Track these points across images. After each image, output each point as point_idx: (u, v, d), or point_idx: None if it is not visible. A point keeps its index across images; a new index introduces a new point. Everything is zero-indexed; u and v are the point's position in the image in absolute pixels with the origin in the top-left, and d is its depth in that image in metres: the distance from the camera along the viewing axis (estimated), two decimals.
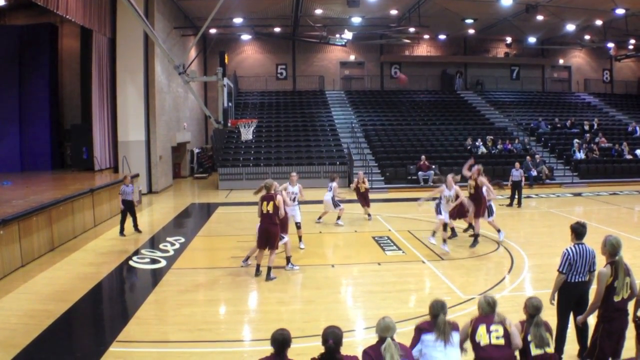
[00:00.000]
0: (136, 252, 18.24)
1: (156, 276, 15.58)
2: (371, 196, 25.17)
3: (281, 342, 6.88)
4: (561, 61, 57.49)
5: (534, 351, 7.72)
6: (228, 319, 12.33)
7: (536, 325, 7.82)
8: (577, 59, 58.12)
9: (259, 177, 34.31)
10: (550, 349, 7.80)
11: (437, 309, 7.65)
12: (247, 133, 25.50)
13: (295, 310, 12.52)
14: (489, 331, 7.64)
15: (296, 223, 18.57)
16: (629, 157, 41.04)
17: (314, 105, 47.12)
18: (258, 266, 15.04)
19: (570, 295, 9.49)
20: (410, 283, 14.49)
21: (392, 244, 19.20)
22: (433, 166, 35.59)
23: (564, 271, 9.43)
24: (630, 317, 8.87)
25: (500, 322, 7.71)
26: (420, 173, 35.07)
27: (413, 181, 35.24)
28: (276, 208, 14.39)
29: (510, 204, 28.52)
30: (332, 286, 14.33)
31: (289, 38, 48.29)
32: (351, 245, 19.43)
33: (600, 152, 41.27)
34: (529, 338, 7.77)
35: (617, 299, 8.75)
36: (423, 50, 54.52)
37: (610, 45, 52.57)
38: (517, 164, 29.94)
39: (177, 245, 19.34)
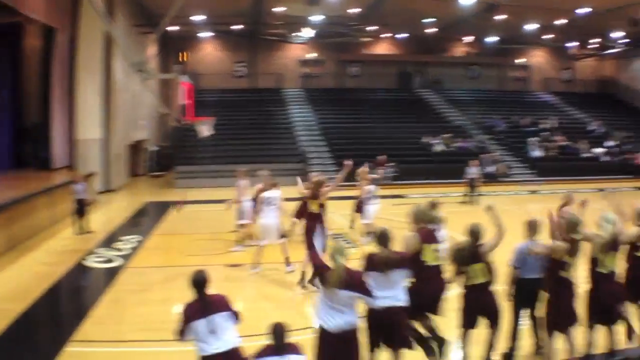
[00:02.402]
0: (92, 251, 18.16)
1: (112, 275, 15.57)
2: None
3: (203, 281, 7.38)
4: (521, 60, 58.08)
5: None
6: None
7: None
8: (537, 58, 58.74)
9: (215, 175, 34.23)
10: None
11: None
12: (204, 131, 25.46)
13: (252, 309, 12.39)
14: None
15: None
16: (586, 155, 41.71)
17: (272, 103, 47.07)
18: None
19: (524, 292, 9.65)
20: None
21: (349, 241, 19.36)
22: (391, 164, 35.79)
23: (517, 266, 9.69)
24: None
25: None
26: (378, 171, 35.23)
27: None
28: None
29: (470, 201, 29.00)
30: (290, 285, 14.38)
31: (248, 36, 48.24)
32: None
33: (559, 150, 41.87)
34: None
35: (564, 274, 9.11)
36: (382, 48, 54.78)
37: (571, 44, 53.28)
38: (473, 162, 30.38)
39: (133, 244, 19.34)
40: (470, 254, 9.03)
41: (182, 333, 7.35)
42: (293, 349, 7.26)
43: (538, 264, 9.44)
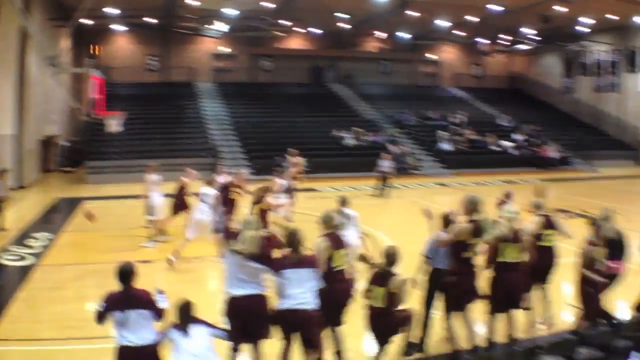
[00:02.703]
0: (4, 249, 17.95)
1: (25, 273, 15.49)
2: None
3: (127, 272, 7.57)
4: (431, 56, 59.02)
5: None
6: None
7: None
8: (447, 54, 59.81)
9: (127, 170, 33.87)
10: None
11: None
12: (114, 125, 25.33)
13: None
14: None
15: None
16: (495, 148, 42.83)
17: (184, 97, 46.76)
18: None
19: (436, 281, 10.10)
20: None
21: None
22: (302, 158, 36.08)
23: (429, 256, 10.17)
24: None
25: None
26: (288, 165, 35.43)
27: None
28: None
29: (382, 194, 29.55)
30: (207, 279, 14.57)
31: (162, 29, 47.83)
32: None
33: (468, 143, 42.85)
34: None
35: (466, 255, 9.78)
36: (295, 43, 54.91)
37: (482, 40, 54.37)
38: (385, 155, 30.98)
39: (45, 242, 19.20)
40: (380, 278, 9.12)
41: (100, 318, 7.51)
42: (198, 322, 7.70)
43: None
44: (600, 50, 51.43)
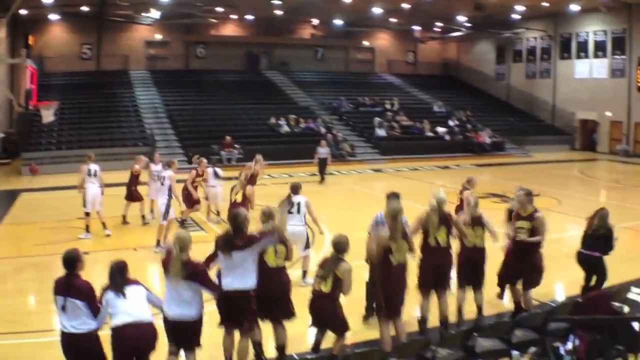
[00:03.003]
0: None
1: None
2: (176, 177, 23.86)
3: (71, 259, 7.72)
4: (366, 43, 59.10)
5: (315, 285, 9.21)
6: (38, 309, 12.34)
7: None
8: (382, 40, 59.96)
9: (62, 160, 33.35)
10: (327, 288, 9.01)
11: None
12: (48, 115, 24.92)
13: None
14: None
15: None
16: (430, 134, 43.17)
17: (118, 85, 45.94)
18: None
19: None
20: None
21: (194, 224, 19.57)
22: (237, 145, 35.98)
23: (373, 231, 10.59)
24: None
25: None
26: (223, 152, 35.24)
27: (217, 161, 35.05)
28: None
29: (321, 181, 29.83)
30: (137, 271, 14.35)
31: (96, 17, 46.94)
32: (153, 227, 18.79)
33: (402, 129, 43.10)
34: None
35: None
36: (230, 30, 54.53)
37: (416, 27, 54.71)
38: (323, 142, 31.14)
39: None
40: (329, 263, 9.21)
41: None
42: (131, 282, 7.95)
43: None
44: (532, 37, 52.13)
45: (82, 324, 7.46)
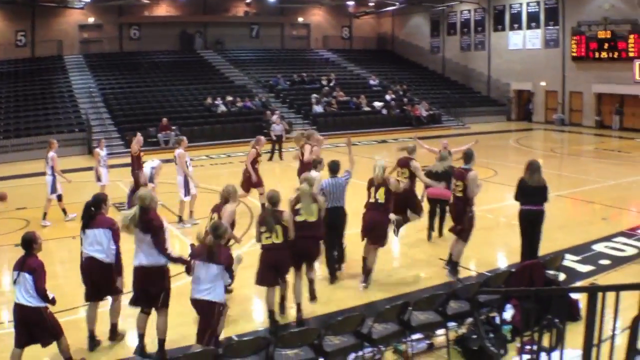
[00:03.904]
0: None
1: None
2: (111, 162, 22.50)
3: (27, 240, 8.47)
4: (300, 19, 58.72)
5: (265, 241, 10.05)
6: None
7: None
8: (317, 16, 59.66)
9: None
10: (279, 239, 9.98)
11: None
12: None
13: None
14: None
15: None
16: (367, 109, 43.23)
17: (52, 71, 44.82)
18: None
19: (329, 220, 11.60)
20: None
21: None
22: (174, 127, 35.56)
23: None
24: None
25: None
26: (160, 135, 34.84)
27: (154, 143, 34.73)
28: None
29: (271, 159, 29.68)
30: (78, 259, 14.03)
31: (28, 3, 45.87)
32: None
33: (339, 105, 43.07)
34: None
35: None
36: (163, 10, 53.67)
37: (350, 2, 54.66)
38: (277, 119, 31.22)
39: None
40: (271, 216, 10.07)
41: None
42: (96, 226, 9.47)
43: (339, 196, 12.15)
44: (466, 10, 52.44)
45: (33, 298, 8.21)
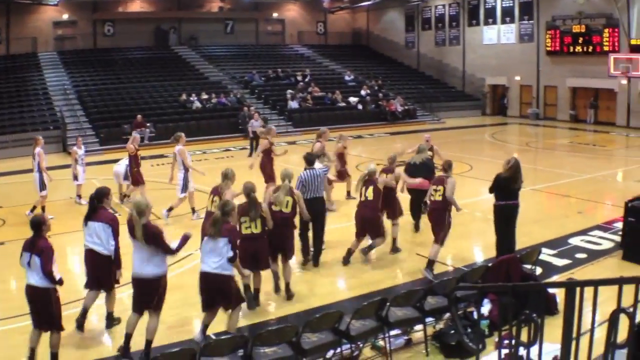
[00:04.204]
0: None
1: None
2: (87, 159, 22.00)
3: (36, 222, 8.63)
4: (275, 14, 58.58)
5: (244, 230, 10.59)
6: None
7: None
8: (291, 12, 59.54)
9: None
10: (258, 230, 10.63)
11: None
12: None
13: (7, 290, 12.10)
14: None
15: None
16: (342, 104, 43.20)
17: (27, 69, 44.31)
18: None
19: (309, 210, 12.06)
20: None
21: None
22: (148, 124, 35.37)
23: (298, 189, 12.29)
24: None
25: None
26: (134, 132, 34.49)
27: (128, 141, 34.55)
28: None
29: (251, 154, 29.22)
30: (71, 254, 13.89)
31: (2, 1, 45.35)
32: (68, 212, 18.35)
33: (314, 101, 43.03)
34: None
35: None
36: (137, 6, 53.32)
37: None
38: (255, 115, 31.25)
39: None
40: (250, 208, 10.63)
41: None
42: (98, 219, 9.72)
43: (317, 187, 12.95)
44: (441, 5, 52.57)
45: (41, 278, 8.38)
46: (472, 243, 14.46)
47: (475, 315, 9.28)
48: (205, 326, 9.47)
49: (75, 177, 19.42)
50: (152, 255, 8.92)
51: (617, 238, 14.01)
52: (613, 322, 5.34)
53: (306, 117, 40.58)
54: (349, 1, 56.38)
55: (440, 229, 12.31)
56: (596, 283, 5.44)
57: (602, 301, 5.51)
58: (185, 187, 17.14)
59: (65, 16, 49.75)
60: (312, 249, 13.07)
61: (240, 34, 55.83)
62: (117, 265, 9.73)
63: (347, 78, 49.22)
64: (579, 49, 41.06)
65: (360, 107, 43.45)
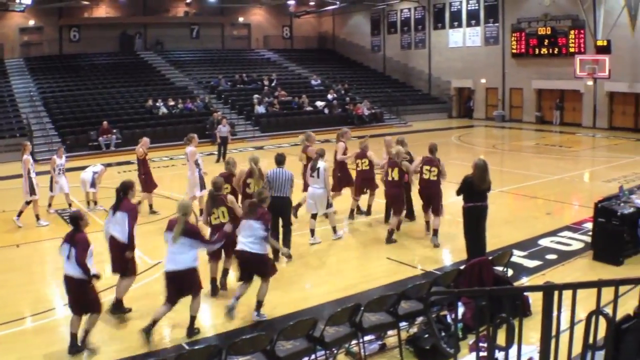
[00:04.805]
0: None
1: None
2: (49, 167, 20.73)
3: (74, 218, 9.46)
4: (241, 19, 58.52)
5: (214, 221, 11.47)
6: None
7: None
8: (257, 16, 59.48)
9: None
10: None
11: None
12: None
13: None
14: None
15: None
16: (309, 108, 43.20)
17: None
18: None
19: (274, 208, 11.93)
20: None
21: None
22: (114, 130, 35.12)
23: (266, 187, 12.60)
24: None
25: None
26: (101, 139, 34.37)
27: (95, 147, 34.37)
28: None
29: (219, 160, 29.15)
30: (22, 268, 13.71)
31: None
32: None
33: (281, 105, 43.00)
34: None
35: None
36: (103, 11, 52.93)
37: (290, 2, 54.62)
38: (224, 120, 31.49)
39: None
40: (213, 200, 11.51)
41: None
42: (123, 210, 10.49)
43: (284, 186, 13.49)
44: (406, 8, 52.79)
45: (75, 269, 9.00)
46: (441, 246, 14.47)
47: (449, 319, 9.30)
48: (239, 295, 10.38)
49: (51, 188, 19.00)
50: (185, 251, 9.63)
51: (587, 238, 14.13)
52: (590, 324, 5.34)
53: (273, 122, 40.59)
54: (314, 5, 56.43)
55: (439, 202, 14.58)
56: (575, 286, 5.45)
57: (577, 301, 5.51)
58: (203, 185, 17.15)
59: (32, 22, 49.34)
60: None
61: (206, 39, 55.71)
62: (129, 247, 10.39)
63: (313, 82, 49.25)
64: (544, 50, 41.52)
65: (327, 111, 43.52)
